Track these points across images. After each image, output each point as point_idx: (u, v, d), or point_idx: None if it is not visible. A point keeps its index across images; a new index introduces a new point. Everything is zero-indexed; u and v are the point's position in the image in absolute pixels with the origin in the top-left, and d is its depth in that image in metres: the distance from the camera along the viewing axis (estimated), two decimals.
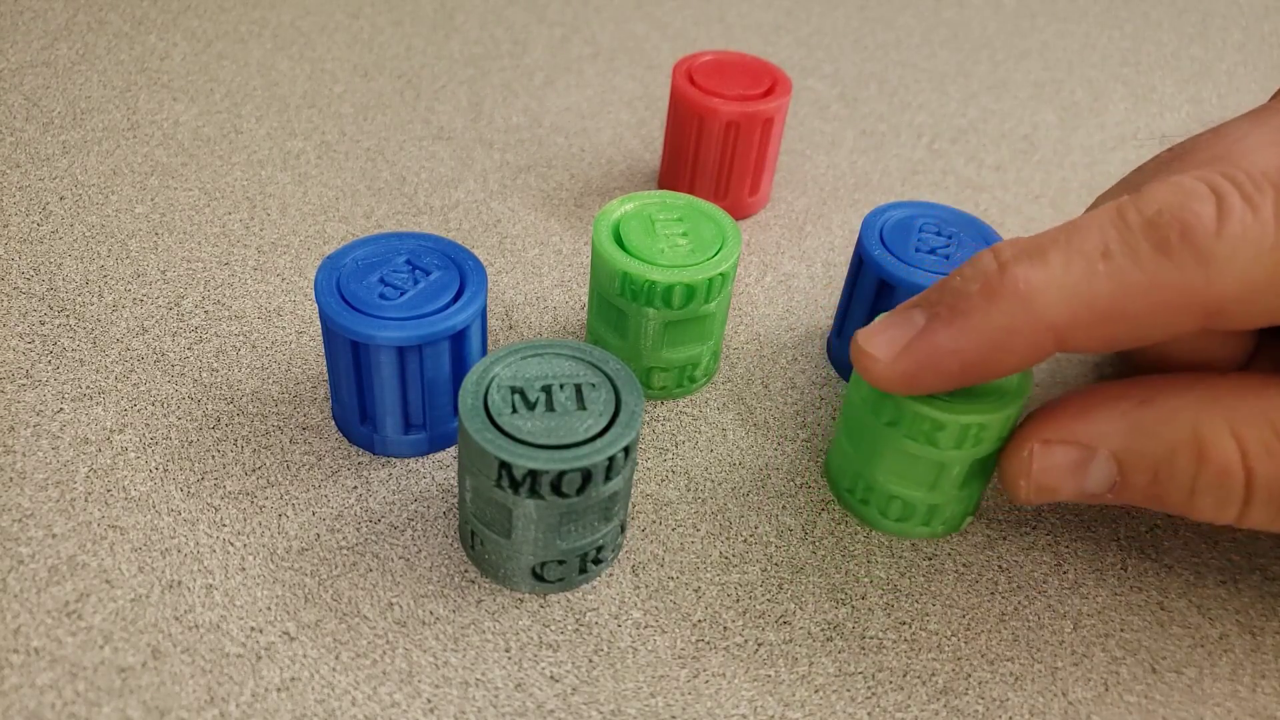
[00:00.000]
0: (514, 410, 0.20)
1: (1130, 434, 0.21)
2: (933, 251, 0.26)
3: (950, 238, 0.27)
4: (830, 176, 0.37)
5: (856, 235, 0.34)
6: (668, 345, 0.26)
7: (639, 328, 0.25)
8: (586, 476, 0.20)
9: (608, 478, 0.20)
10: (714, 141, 0.32)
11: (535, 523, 0.20)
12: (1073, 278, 0.19)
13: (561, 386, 0.21)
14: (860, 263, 0.26)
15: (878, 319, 0.21)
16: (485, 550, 0.21)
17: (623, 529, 0.22)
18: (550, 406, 0.20)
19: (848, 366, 0.28)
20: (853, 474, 0.24)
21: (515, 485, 0.20)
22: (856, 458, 0.23)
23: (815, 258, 0.33)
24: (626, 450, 0.20)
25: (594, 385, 0.21)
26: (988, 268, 0.20)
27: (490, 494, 0.20)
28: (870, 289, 0.26)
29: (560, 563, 0.21)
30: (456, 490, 0.24)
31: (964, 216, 0.27)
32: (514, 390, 0.21)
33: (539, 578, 0.21)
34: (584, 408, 0.20)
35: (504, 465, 0.19)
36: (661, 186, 0.35)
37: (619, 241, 0.25)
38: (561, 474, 0.19)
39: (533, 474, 0.19)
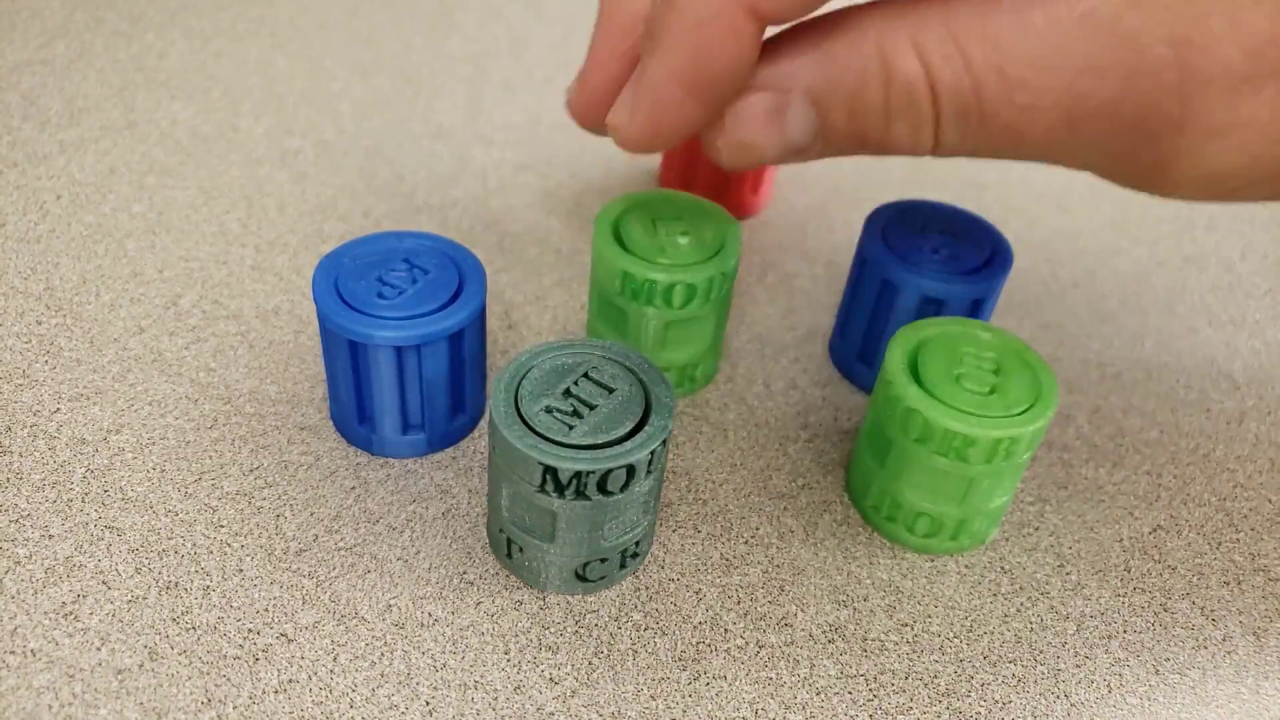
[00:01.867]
0: (549, 412, 0.20)
1: (819, 66, 0.20)
2: (936, 251, 0.26)
3: (954, 236, 0.26)
4: (832, 175, 0.37)
5: (858, 234, 0.34)
6: (668, 345, 0.26)
7: (639, 327, 0.25)
8: (630, 472, 0.20)
9: (649, 471, 0.20)
10: None
11: (580, 523, 0.20)
12: None
13: (588, 383, 0.21)
14: (862, 262, 0.26)
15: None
16: (525, 557, 0.21)
17: (654, 521, 0.22)
18: (583, 405, 0.20)
19: (850, 368, 0.28)
20: (878, 490, 0.23)
21: (561, 489, 0.19)
22: (882, 474, 0.23)
23: (817, 257, 0.33)
24: (664, 442, 0.20)
25: (617, 378, 0.21)
26: None
27: (533, 500, 0.20)
28: (872, 289, 0.26)
29: (602, 560, 0.21)
30: (487, 498, 0.23)
31: (966, 215, 0.27)
32: (544, 393, 0.21)
33: (581, 578, 0.21)
34: (614, 402, 0.20)
35: (548, 470, 0.19)
36: (662, 185, 0.34)
37: (619, 240, 0.25)
38: (607, 472, 0.19)
39: (578, 475, 0.19)
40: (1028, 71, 0.18)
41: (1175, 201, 0.37)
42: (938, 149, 0.20)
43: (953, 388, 0.22)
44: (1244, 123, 0.18)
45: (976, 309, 0.26)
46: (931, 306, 0.26)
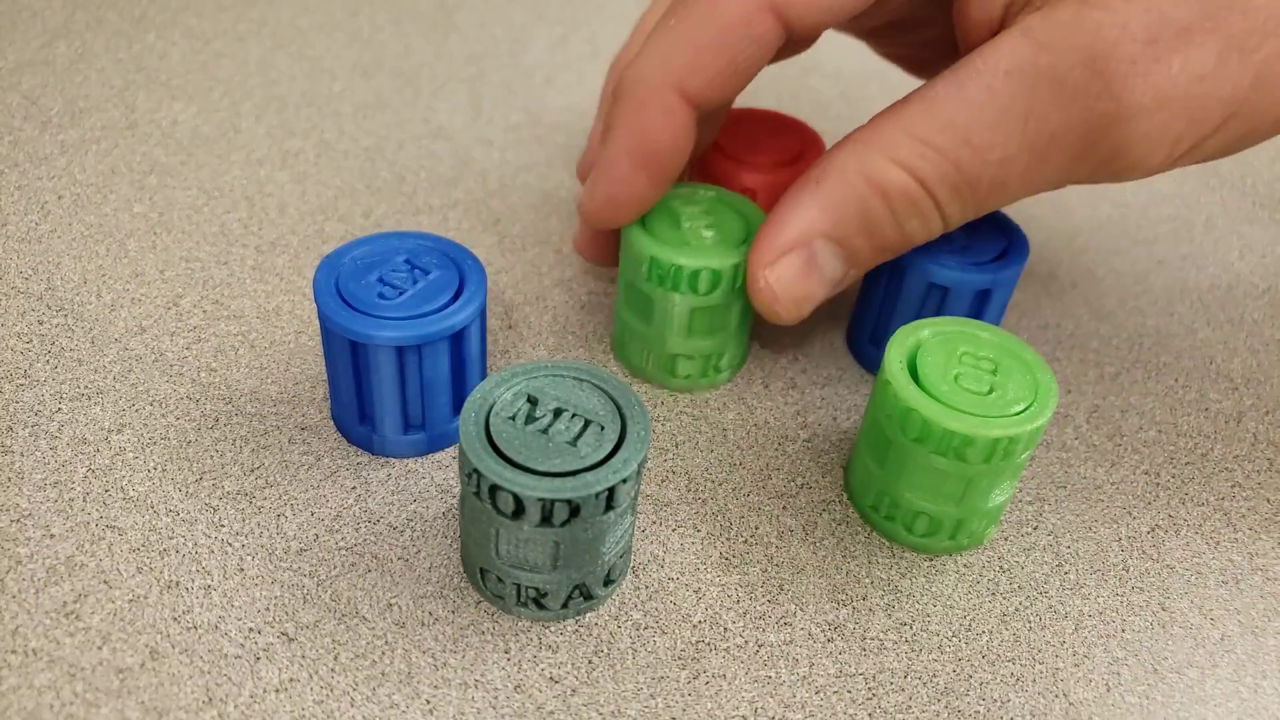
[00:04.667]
0: (531, 452, 0.20)
1: (825, 213, 0.23)
2: (950, 240, 0.26)
3: (970, 230, 0.27)
4: None
5: None
6: (693, 333, 0.26)
7: (665, 313, 0.25)
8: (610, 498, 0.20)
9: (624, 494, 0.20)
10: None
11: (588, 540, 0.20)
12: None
13: (568, 416, 0.21)
14: None
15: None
16: (523, 599, 0.21)
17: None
18: (564, 436, 0.20)
19: (862, 350, 0.29)
20: (876, 490, 0.23)
21: (553, 519, 0.19)
22: (881, 474, 0.23)
23: None
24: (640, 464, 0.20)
25: (597, 413, 0.21)
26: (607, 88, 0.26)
27: (530, 535, 0.20)
28: (884, 272, 0.27)
29: (608, 582, 0.22)
30: (459, 529, 0.23)
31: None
32: (524, 430, 0.20)
33: (586, 594, 0.21)
34: (587, 433, 0.20)
35: (546, 504, 0.19)
36: None
37: (646, 230, 0.26)
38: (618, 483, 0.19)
39: (569, 503, 0.19)
40: (987, 134, 0.22)
41: (1175, 201, 0.37)
42: (948, 225, 0.24)
43: (951, 387, 0.22)
44: (1167, 95, 0.21)
45: (983, 300, 0.26)
46: (938, 293, 0.26)
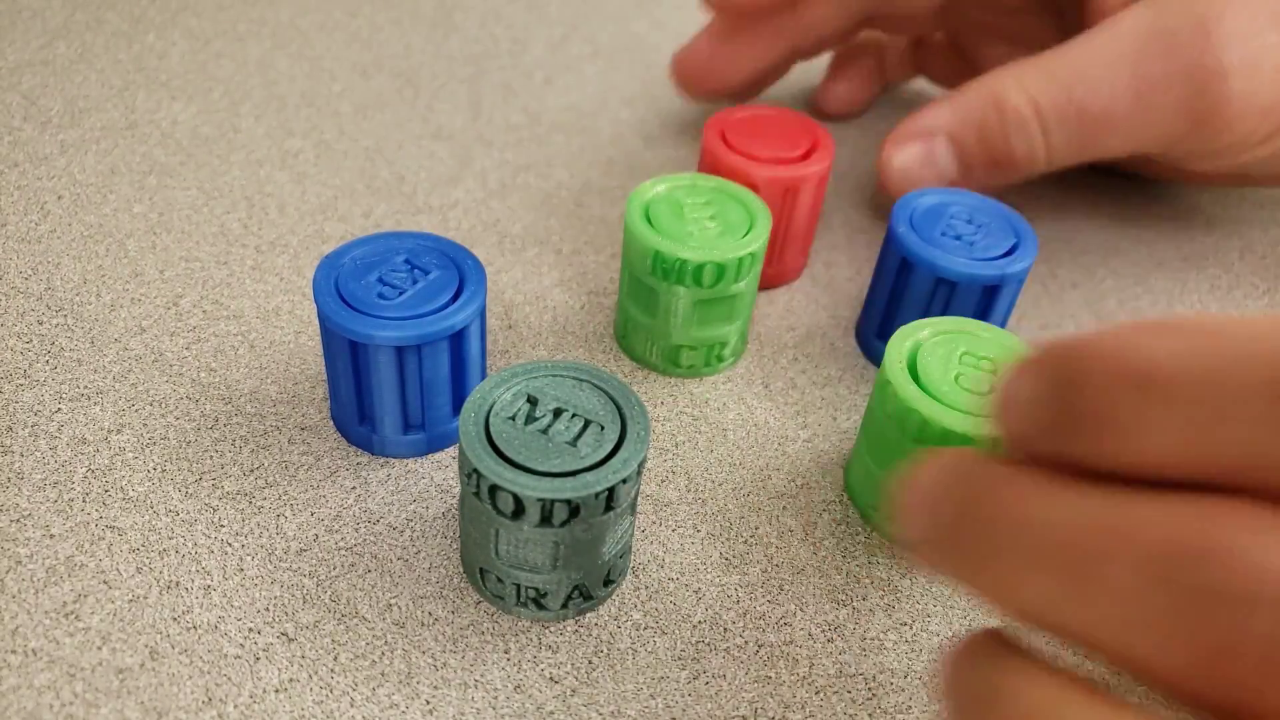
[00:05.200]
0: (532, 449, 0.20)
1: (952, 113, 0.29)
2: (959, 236, 0.27)
3: (980, 226, 0.27)
4: (834, 175, 0.37)
5: (852, 238, 0.34)
6: (697, 324, 0.26)
7: (669, 306, 0.25)
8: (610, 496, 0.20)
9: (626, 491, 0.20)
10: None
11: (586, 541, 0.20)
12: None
13: (570, 416, 0.21)
14: (887, 239, 0.27)
15: None
16: (523, 596, 0.21)
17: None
18: (566, 438, 0.20)
19: (870, 344, 0.29)
20: (876, 491, 0.23)
21: (552, 519, 0.19)
22: (881, 474, 0.23)
23: (815, 257, 0.33)
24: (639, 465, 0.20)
25: (595, 411, 0.21)
26: None
27: (530, 535, 0.20)
28: (893, 265, 0.27)
29: (608, 582, 0.21)
30: (460, 529, 0.23)
31: (1000, 208, 0.28)
32: (524, 429, 0.20)
33: (586, 594, 0.21)
34: (585, 434, 0.20)
35: (547, 504, 0.19)
36: None
37: (650, 222, 0.26)
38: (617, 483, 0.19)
39: (570, 503, 0.19)
40: (1103, 71, 0.26)
41: (1175, 203, 0.37)
42: (1050, 156, 0.28)
43: (951, 387, 0.22)
44: (1261, 62, 0.25)
45: (992, 296, 0.26)
46: (945, 288, 0.26)
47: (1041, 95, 0.27)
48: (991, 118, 0.28)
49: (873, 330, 0.28)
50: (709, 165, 0.29)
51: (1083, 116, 0.27)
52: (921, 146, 0.29)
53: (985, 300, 0.26)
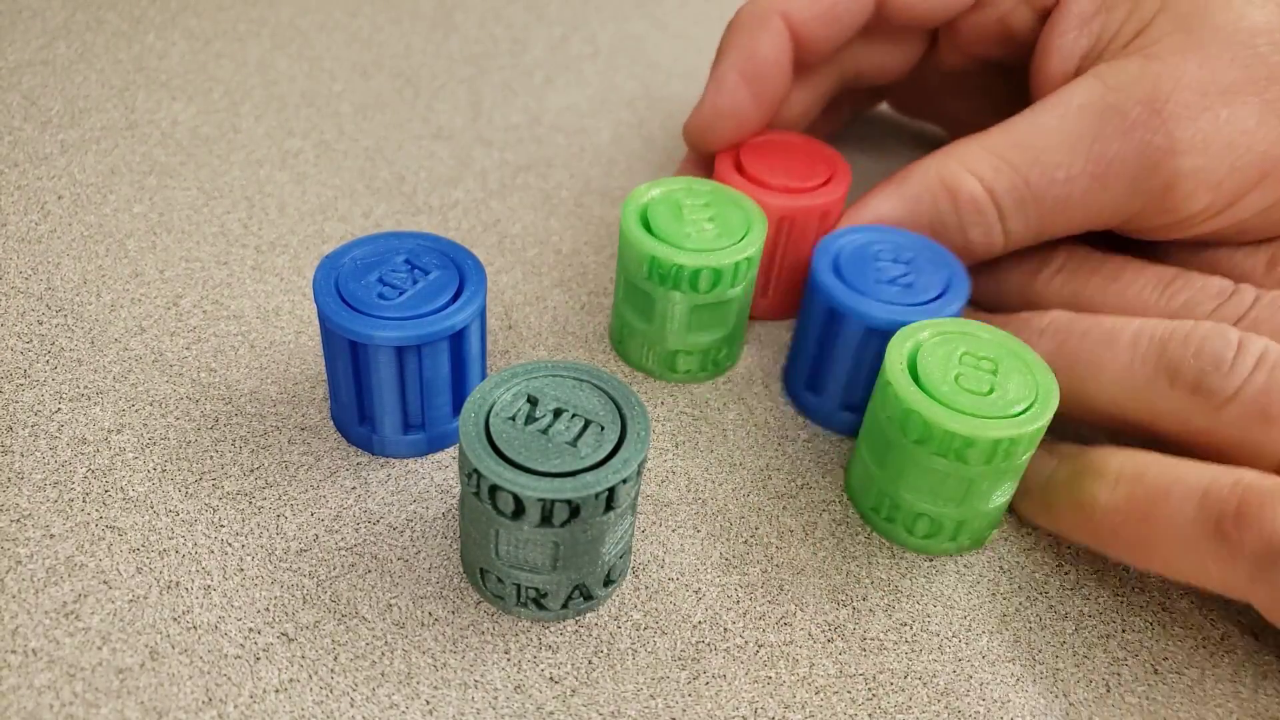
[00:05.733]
0: (531, 448, 0.20)
1: (903, 205, 0.27)
2: (890, 281, 0.25)
3: (908, 264, 0.25)
4: None
5: None
6: (694, 328, 0.26)
7: (665, 311, 0.25)
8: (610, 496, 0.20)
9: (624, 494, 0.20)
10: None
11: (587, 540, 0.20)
12: None
13: (569, 415, 0.21)
14: (811, 289, 0.25)
15: None
16: (522, 596, 0.21)
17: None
18: (565, 438, 0.20)
19: (799, 396, 0.27)
20: (876, 492, 0.23)
21: (553, 519, 0.19)
22: (881, 476, 0.23)
23: None
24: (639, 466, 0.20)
25: (594, 411, 0.21)
26: None
27: (530, 535, 0.20)
28: (819, 317, 0.25)
29: (609, 582, 0.21)
30: (460, 529, 0.23)
31: (927, 243, 0.26)
32: (525, 428, 0.20)
33: (586, 595, 0.21)
34: (585, 433, 0.20)
35: (547, 504, 0.19)
36: None
37: (646, 226, 0.26)
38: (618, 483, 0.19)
39: (571, 503, 0.19)
40: (1056, 155, 0.25)
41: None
42: (1008, 241, 0.27)
43: (952, 388, 0.22)
44: (1212, 139, 0.24)
45: None
46: (877, 338, 0.24)
47: (996, 182, 0.26)
48: (946, 209, 0.26)
49: (801, 381, 0.27)
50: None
51: (1040, 201, 0.26)
52: None
53: None
